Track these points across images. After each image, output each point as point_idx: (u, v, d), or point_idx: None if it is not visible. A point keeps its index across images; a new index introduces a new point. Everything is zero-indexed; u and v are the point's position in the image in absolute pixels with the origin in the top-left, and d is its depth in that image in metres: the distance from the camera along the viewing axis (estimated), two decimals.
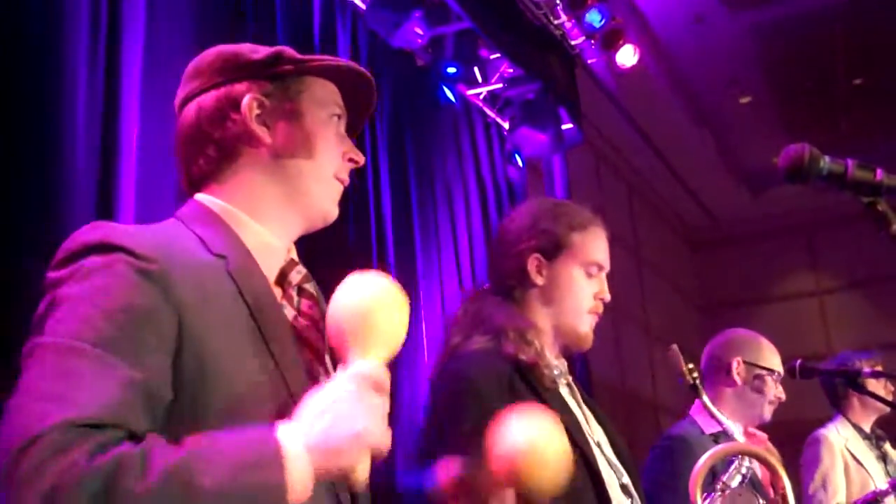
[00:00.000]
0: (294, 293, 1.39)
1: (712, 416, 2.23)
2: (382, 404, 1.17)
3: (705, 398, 2.20)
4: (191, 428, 1.14)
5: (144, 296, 1.16)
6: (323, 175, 1.44)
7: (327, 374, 1.34)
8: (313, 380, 1.30)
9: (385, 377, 1.19)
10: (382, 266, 4.27)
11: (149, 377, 1.13)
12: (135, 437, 1.08)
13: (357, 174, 1.50)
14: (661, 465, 2.84)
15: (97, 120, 2.80)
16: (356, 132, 1.56)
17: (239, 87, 1.40)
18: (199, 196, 1.41)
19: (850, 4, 6.86)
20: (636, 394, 8.21)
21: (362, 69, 1.50)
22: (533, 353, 1.98)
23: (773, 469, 2.06)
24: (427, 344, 4.31)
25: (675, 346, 2.18)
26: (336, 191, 1.46)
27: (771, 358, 3.13)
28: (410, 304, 1.27)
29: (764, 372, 3.07)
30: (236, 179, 1.40)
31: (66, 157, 2.68)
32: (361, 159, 1.49)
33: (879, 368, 3.60)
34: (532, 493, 1.42)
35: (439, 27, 4.90)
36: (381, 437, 1.15)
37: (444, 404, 1.96)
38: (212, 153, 1.40)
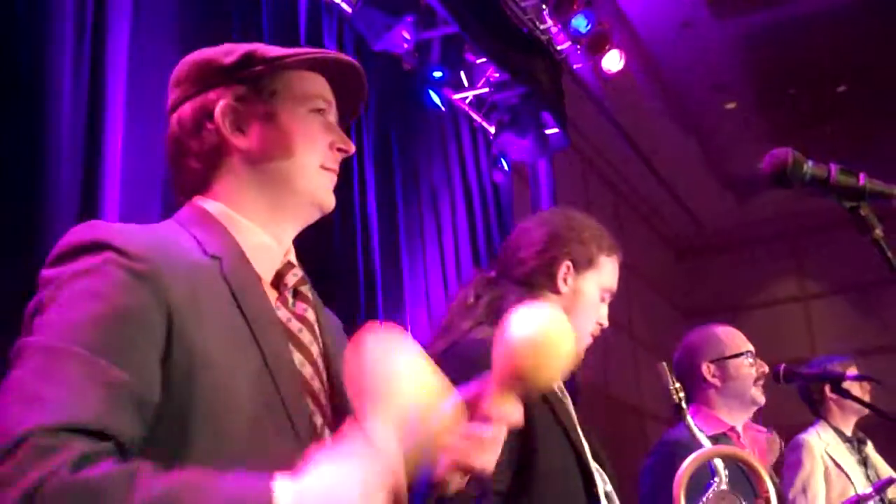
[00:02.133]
0: (289, 296, 1.38)
1: (694, 434, 2.20)
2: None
3: (689, 419, 2.20)
4: (176, 429, 1.14)
5: (134, 296, 1.15)
6: (307, 170, 1.41)
7: (319, 376, 1.34)
8: (304, 382, 1.30)
9: (399, 471, 1.09)
10: (368, 269, 4.27)
11: (137, 380, 1.11)
12: (121, 447, 1.07)
13: (343, 177, 1.47)
14: (660, 470, 2.79)
15: (82, 118, 2.79)
16: (353, 117, 1.55)
17: (212, 94, 1.40)
18: (197, 199, 1.41)
19: (834, 12, 6.90)
20: (621, 400, 8.22)
21: (344, 56, 1.49)
22: None
23: (756, 473, 2.06)
24: None
25: (664, 364, 2.21)
26: (328, 180, 1.43)
27: (732, 342, 3.12)
28: (400, 314, 1.16)
29: (734, 359, 3.07)
30: (224, 187, 1.39)
31: (50, 154, 2.66)
32: (351, 148, 1.46)
33: (854, 370, 3.61)
34: (536, 386, 1.25)
35: (426, 31, 4.91)
36: None
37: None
38: (194, 166, 1.40)
